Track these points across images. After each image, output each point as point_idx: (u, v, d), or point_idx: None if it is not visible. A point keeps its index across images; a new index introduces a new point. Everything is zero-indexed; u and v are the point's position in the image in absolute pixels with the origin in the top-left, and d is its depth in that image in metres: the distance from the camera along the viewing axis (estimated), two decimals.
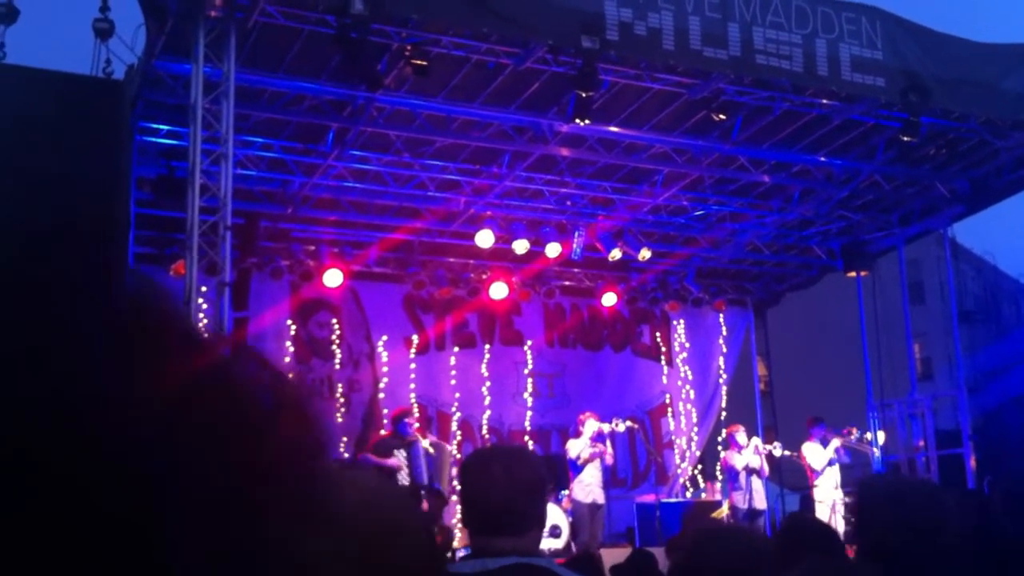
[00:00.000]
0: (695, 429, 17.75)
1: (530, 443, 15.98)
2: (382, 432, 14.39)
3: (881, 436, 15.53)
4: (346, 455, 14.55)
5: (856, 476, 15.38)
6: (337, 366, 15.18)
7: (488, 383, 16.21)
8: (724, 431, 15.31)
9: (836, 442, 13.94)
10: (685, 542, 2.69)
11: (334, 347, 15.23)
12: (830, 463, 13.83)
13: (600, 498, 13.02)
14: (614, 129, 12.27)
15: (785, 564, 2.24)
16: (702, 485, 17.41)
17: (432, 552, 1.06)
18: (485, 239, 14.36)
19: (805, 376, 27.13)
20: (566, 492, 13.25)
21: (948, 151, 12.84)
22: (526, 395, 16.55)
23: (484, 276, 15.96)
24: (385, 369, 15.52)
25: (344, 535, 0.97)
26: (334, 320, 15.28)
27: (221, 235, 9.04)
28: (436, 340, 16.03)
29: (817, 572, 2.15)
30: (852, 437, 14.28)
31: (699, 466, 17.79)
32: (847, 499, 14.12)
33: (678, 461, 17.52)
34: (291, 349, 14.90)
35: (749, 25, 9.96)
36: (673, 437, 17.57)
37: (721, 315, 18.04)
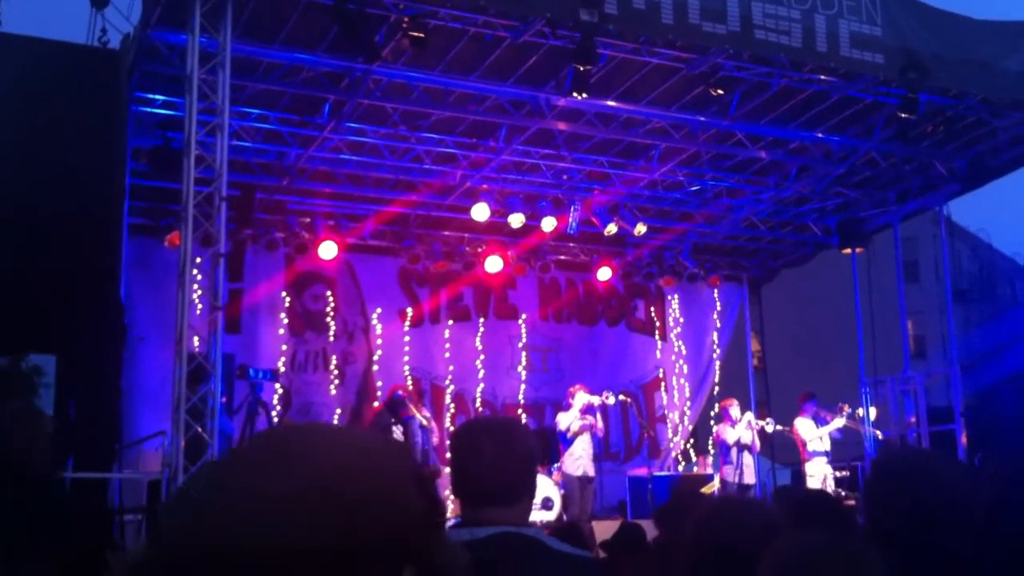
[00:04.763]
0: (688, 404, 17.81)
1: (524, 417, 16.03)
2: (375, 404, 14.45)
3: (873, 412, 15.60)
4: None
5: (847, 452, 15.50)
6: (331, 339, 15.20)
7: (482, 357, 16.25)
8: (718, 405, 15.38)
9: (840, 422, 14.04)
10: (697, 514, 2.68)
11: (329, 320, 15.23)
12: (832, 436, 13.97)
13: (590, 471, 13.06)
14: (611, 103, 12.23)
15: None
16: (694, 459, 17.49)
17: (424, 515, 1.05)
18: (481, 213, 14.34)
19: (798, 352, 27.17)
20: (558, 465, 13.30)
21: (946, 129, 12.82)
22: (520, 369, 16.58)
23: (479, 250, 15.96)
24: (379, 342, 15.54)
25: (326, 496, 0.97)
26: (329, 293, 15.28)
27: (216, 206, 9.03)
28: (431, 313, 16.04)
29: (814, 548, 2.15)
30: (844, 413, 14.34)
31: (691, 440, 17.87)
32: (837, 473, 14.23)
33: (671, 435, 17.59)
34: (285, 321, 14.91)
35: (748, 0, 9.92)
36: (666, 411, 17.63)
37: (716, 291, 18.07)
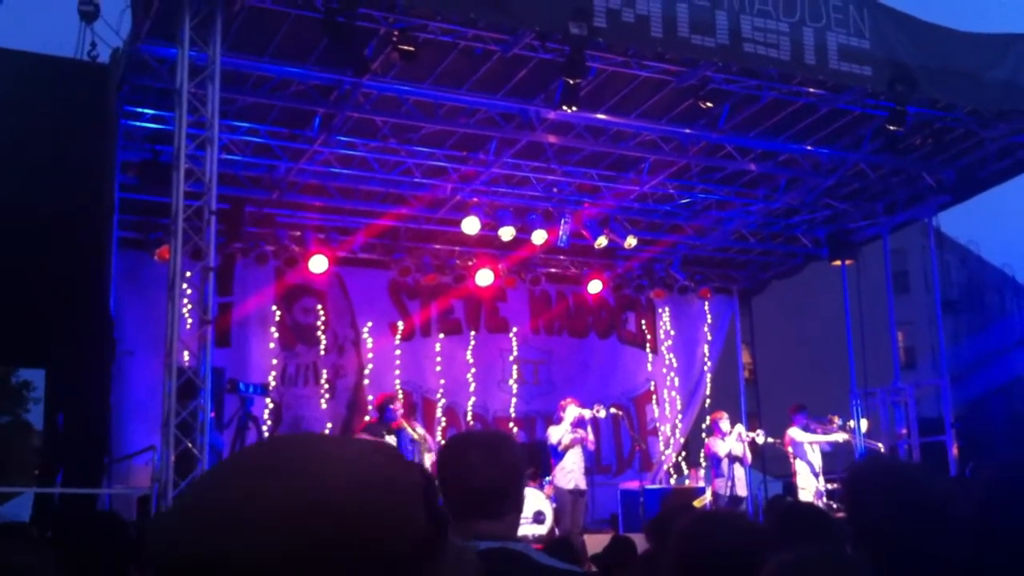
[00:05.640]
0: (679, 416, 17.81)
1: (515, 430, 16.01)
2: (366, 418, 14.39)
3: (864, 424, 15.62)
4: None
5: (839, 464, 15.50)
6: (322, 352, 15.16)
7: (473, 370, 16.22)
8: (708, 418, 15.37)
9: (841, 436, 14.10)
10: (680, 528, 2.68)
11: (319, 333, 15.20)
12: (822, 448, 14.00)
13: (582, 484, 13.04)
14: (601, 116, 12.26)
15: (780, 549, 2.25)
16: (686, 472, 17.48)
17: (427, 530, 1.03)
18: (471, 226, 14.35)
19: (789, 364, 27.23)
20: (549, 479, 13.27)
21: (934, 141, 12.87)
22: (511, 382, 16.56)
23: (470, 263, 15.95)
24: (370, 355, 15.51)
25: (335, 518, 0.95)
26: (319, 306, 15.25)
27: (206, 220, 9.02)
28: (421, 326, 16.02)
29: (803, 561, 2.15)
30: (836, 424, 14.36)
31: (683, 453, 17.86)
32: (829, 486, 14.23)
33: (662, 448, 17.58)
34: (276, 335, 14.87)
35: (737, 13, 9.95)
36: (657, 424, 17.62)
37: (706, 303, 18.08)
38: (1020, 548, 2.57)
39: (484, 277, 15.82)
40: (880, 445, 15.16)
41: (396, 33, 9.85)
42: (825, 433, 14.20)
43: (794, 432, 14.01)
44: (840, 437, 14.21)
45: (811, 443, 13.96)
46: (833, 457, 14.85)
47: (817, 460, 14.03)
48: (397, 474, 1.00)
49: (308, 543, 0.91)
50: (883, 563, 2.42)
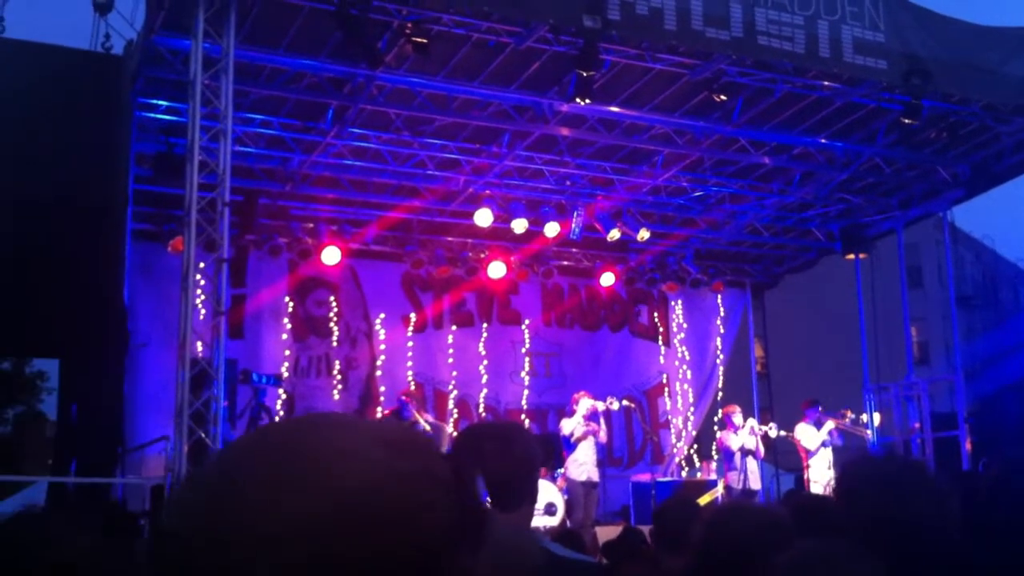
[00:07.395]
0: (691, 409, 17.80)
1: (527, 422, 16.02)
2: (378, 411, 14.44)
3: (877, 418, 15.58)
4: None
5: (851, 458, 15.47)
6: (335, 344, 15.20)
7: (485, 362, 16.24)
8: (720, 411, 15.36)
9: (830, 424, 14.01)
10: (706, 518, 2.68)
11: (332, 325, 15.24)
12: (823, 444, 13.90)
13: (594, 476, 13.06)
14: (615, 109, 12.24)
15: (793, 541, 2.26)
16: (698, 465, 17.46)
17: (455, 526, 0.97)
18: (484, 218, 14.35)
19: (802, 358, 27.15)
20: (562, 471, 13.29)
21: (949, 135, 12.81)
22: (523, 374, 16.57)
23: (482, 255, 15.96)
24: (383, 347, 15.54)
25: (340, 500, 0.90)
26: (332, 298, 15.29)
27: (219, 212, 9.04)
28: (434, 319, 16.05)
29: (810, 556, 2.15)
30: (847, 419, 14.32)
31: (695, 446, 17.84)
32: None
33: (674, 441, 17.58)
34: (288, 326, 14.92)
35: (751, 6, 9.92)
36: (669, 417, 17.62)
37: (719, 296, 18.06)
38: (1015, 544, 2.57)
39: (496, 270, 15.82)
40: (868, 434, 15.10)
41: (409, 26, 9.85)
42: (841, 426, 14.13)
43: (800, 432, 13.96)
44: (828, 426, 14.00)
45: (820, 443, 13.88)
46: (845, 451, 14.81)
47: (828, 454, 14.00)
48: (405, 463, 0.93)
49: (320, 547, 0.86)
50: (880, 558, 2.42)
